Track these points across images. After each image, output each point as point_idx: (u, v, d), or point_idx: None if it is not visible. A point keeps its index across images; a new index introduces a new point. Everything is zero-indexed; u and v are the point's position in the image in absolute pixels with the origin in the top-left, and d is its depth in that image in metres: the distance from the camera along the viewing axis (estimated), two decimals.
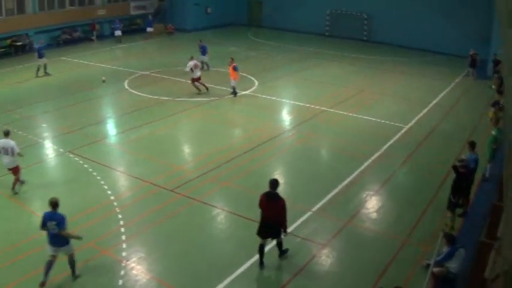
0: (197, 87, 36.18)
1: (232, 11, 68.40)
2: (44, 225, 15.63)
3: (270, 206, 16.26)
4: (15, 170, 21.89)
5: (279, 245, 17.14)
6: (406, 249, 17.88)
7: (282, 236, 16.88)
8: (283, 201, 16.26)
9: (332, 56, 49.93)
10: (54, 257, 15.81)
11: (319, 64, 46.36)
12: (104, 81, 38.84)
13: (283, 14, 63.89)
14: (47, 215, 15.68)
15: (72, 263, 16.15)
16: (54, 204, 15.77)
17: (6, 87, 37.65)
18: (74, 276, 16.25)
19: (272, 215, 16.23)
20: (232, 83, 35.04)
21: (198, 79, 36.10)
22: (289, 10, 63.19)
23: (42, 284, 15.51)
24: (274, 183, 16.33)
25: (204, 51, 42.64)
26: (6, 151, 21.49)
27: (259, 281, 16.29)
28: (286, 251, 17.36)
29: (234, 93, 35.35)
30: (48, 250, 15.82)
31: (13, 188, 21.92)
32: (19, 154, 21.78)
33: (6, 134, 21.88)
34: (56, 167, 25.18)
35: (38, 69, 40.93)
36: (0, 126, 28.61)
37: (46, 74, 41.24)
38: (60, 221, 15.56)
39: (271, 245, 17.34)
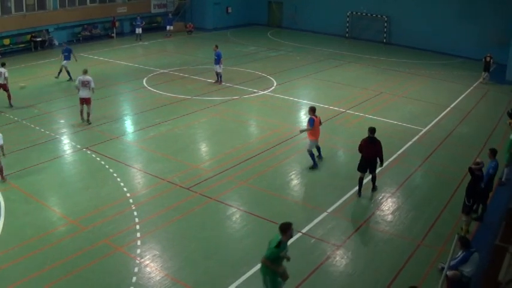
0: (81, 112, 29.92)
1: (252, 11, 68.42)
2: None
3: (370, 147, 21.03)
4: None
5: (374, 179, 21.92)
6: (421, 251, 17.82)
7: (378, 169, 21.90)
8: (380, 142, 21.25)
9: (351, 58, 49.76)
10: None
11: (339, 65, 46.21)
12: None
13: (304, 15, 63.89)
14: None
15: None
16: None
17: (25, 82, 37.84)
18: None
19: (372, 154, 21.03)
20: (309, 145, 24.28)
21: (83, 101, 29.58)
22: (309, 11, 63.18)
23: None
24: (373, 130, 21.19)
25: (218, 59, 37.86)
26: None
27: None
28: (377, 187, 22.13)
29: (314, 163, 24.30)
30: None
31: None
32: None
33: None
34: (73, 163, 25.25)
35: (60, 71, 40.63)
36: (19, 122, 29.02)
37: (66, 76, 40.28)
38: None
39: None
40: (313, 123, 23.57)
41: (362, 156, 21.27)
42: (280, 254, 13.88)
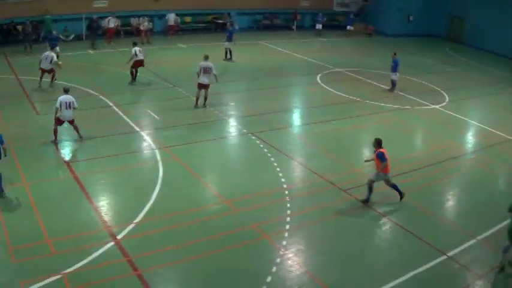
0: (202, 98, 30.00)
1: (433, 22, 66.37)
2: None
3: None
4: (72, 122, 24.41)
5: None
6: None
7: None
8: None
9: None
10: None
11: None
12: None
13: (485, 33, 61.21)
14: None
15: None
16: None
17: (202, 61, 39.04)
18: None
19: None
20: (376, 176, 20.76)
21: (201, 86, 29.88)
22: (491, 30, 60.48)
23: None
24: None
25: (395, 66, 36.76)
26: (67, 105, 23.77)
27: None
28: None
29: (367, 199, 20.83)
30: None
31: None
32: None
33: (66, 90, 24.38)
34: (236, 145, 26.04)
35: (226, 52, 42.69)
36: (190, 97, 29.97)
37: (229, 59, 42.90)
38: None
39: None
40: (385, 157, 20.33)
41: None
42: None
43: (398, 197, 20.99)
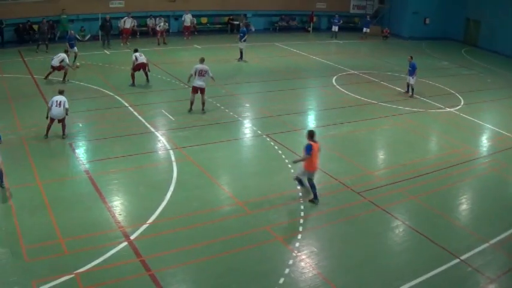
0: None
1: (449, 25, 66.00)
2: None
3: None
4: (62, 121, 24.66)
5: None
6: None
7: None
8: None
9: None
10: None
11: None
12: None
13: (501, 37, 60.88)
14: None
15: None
16: None
17: (217, 62, 39.02)
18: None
19: None
20: (301, 173, 20.58)
21: (196, 90, 29.07)
22: (507, 33, 60.05)
23: None
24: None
25: (412, 70, 36.39)
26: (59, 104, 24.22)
27: None
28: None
29: (301, 184, 21.05)
30: None
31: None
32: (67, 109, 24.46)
33: (61, 92, 24.90)
34: (250, 147, 25.99)
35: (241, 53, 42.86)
36: (211, 100, 29.92)
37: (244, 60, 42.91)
38: None
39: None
40: (311, 150, 19.65)
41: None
42: None
43: (312, 197, 20.38)
